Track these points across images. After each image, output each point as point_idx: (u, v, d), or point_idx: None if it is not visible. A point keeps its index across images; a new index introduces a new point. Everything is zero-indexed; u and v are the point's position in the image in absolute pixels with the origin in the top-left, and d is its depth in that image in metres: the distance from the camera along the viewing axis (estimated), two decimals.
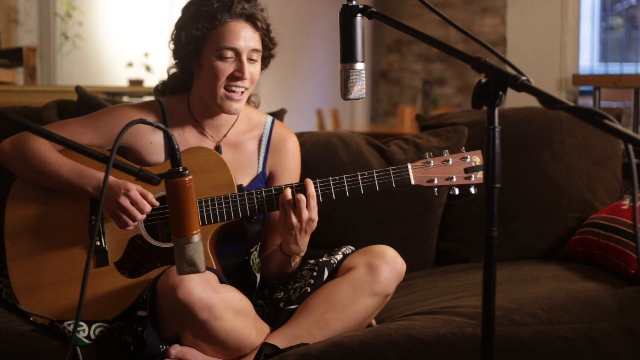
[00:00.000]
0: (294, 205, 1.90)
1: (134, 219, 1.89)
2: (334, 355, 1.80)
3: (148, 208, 1.89)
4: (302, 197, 1.91)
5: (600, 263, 2.35)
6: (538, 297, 2.01)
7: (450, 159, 1.97)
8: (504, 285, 2.18)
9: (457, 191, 1.98)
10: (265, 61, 2.08)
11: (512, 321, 1.90)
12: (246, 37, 1.97)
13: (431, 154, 1.99)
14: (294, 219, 1.90)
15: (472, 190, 1.97)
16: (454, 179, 1.96)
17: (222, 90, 1.98)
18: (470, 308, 1.95)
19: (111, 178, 1.91)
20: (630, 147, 1.11)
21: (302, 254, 2.00)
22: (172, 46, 2.06)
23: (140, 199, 1.88)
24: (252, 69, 1.99)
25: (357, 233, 2.45)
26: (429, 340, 1.84)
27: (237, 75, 1.97)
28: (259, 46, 1.99)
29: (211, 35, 1.97)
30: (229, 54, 1.96)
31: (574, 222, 2.56)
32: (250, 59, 1.98)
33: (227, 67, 1.97)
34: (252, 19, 1.97)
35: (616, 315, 1.95)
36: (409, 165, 1.97)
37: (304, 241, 1.96)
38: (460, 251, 2.59)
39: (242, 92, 2.00)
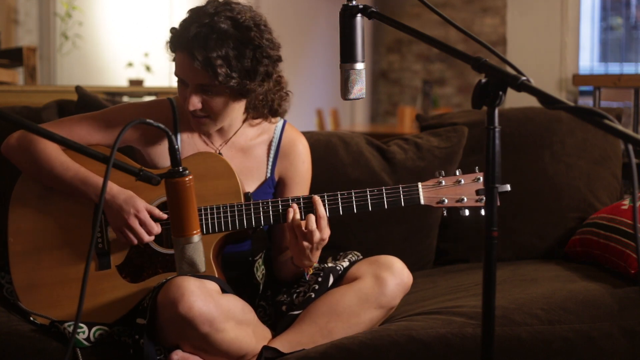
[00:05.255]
0: (304, 227, 1.86)
1: (140, 240, 1.88)
2: (334, 357, 1.79)
3: (156, 230, 1.88)
4: (312, 220, 1.87)
5: (600, 263, 2.35)
6: (538, 297, 2.01)
7: (462, 180, 1.93)
8: (504, 285, 2.18)
9: (467, 212, 1.94)
10: (238, 92, 1.91)
11: (512, 321, 1.90)
12: (189, 71, 1.87)
13: (443, 172, 1.95)
14: (305, 243, 1.87)
15: (483, 212, 1.90)
16: (465, 201, 1.92)
17: (187, 111, 1.95)
18: (470, 308, 1.94)
19: (118, 189, 1.90)
20: (630, 147, 1.11)
21: (315, 265, 1.97)
22: None
23: (150, 220, 1.87)
24: (209, 100, 1.90)
25: (358, 233, 2.45)
26: (429, 340, 1.84)
27: (185, 104, 1.92)
28: (204, 81, 1.86)
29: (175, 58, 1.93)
30: (182, 80, 1.91)
31: (574, 222, 2.56)
32: (204, 90, 1.89)
33: (183, 92, 1.93)
34: (192, 54, 1.83)
35: (616, 315, 1.95)
36: (420, 185, 1.94)
37: (315, 256, 1.92)
38: (460, 251, 2.59)
39: (203, 118, 1.94)
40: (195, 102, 1.89)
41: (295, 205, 1.90)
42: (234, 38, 1.85)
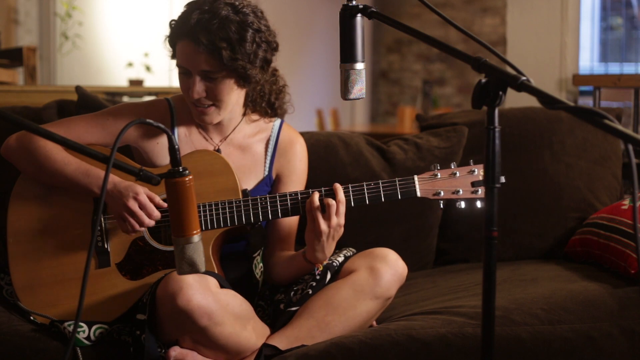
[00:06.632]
0: (323, 211, 1.88)
1: (141, 224, 1.87)
2: (334, 356, 1.79)
3: (156, 213, 1.88)
4: (332, 202, 1.88)
5: (600, 263, 2.35)
6: (538, 297, 2.01)
7: (458, 172, 1.95)
8: (504, 285, 2.18)
9: (462, 204, 1.95)
10: (242, 77, 1.94)
11: (512, 321, 1.90)
12: (192, 58, 1.90)
13: (438, 166, 1.97)
14: (323, 225, 1.88)
15: (479, 204, 1.95)
16: (461, 193, 1.94)
17: (190, 103, 1.98)
18: (470, 308, 1.95)
19: (119, 179, 1.91)
20: (630, 147, 1.11)
21: (326, 262, 1.97)
22: None
23: (149, 203, 1.87)
24: (213, 88, 1.92)
25: (357, 233, 2.45)
26: (429, 340, 1.84)
27: (189, 93, 1.94)
28: (207, 67, 1.89)
29: (175, 50, 1.96)
30: (184, 70, 1.93)
31: (574, 222, 2.56)
32: (208, 77, 1.91)
33: (185, 83, 1.94)
34: (196, 39, 1.87)
35: (616, 315, 1.95)
36: (416, 177, 1.95)
37: (330, 248, 1.93)
38: (460, 251, 2.59)
39: (208, 107, 1.96)
40: (200, 90, 1.92)
41: (316, 192, 1.91)
42: (235, 22, 1.89)
